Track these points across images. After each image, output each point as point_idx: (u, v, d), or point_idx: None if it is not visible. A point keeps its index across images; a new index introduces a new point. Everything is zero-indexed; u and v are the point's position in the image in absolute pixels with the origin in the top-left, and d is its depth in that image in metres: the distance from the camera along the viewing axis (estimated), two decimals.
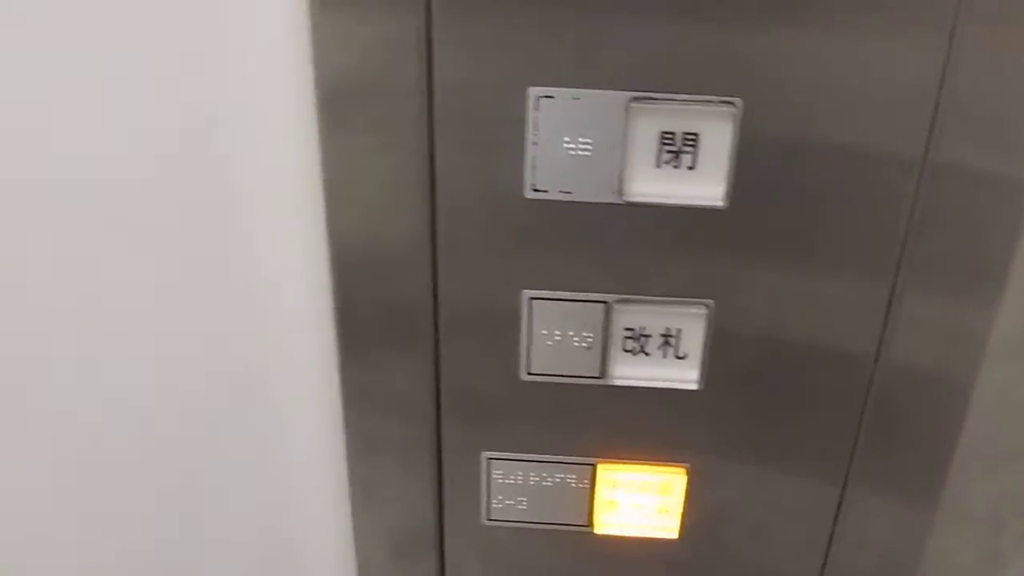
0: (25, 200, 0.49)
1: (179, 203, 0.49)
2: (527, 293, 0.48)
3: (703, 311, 0.48)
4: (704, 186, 0.45)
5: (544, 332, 0.49)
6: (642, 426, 0.51)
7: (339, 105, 0.44)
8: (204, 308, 0.52)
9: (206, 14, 0.44)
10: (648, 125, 0.44)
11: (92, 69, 0.45)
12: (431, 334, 0.49)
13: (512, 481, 0.53)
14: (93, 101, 0.46)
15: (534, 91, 0.43)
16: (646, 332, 0.49)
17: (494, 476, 0.53)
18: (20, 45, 0.45)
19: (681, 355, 0.49)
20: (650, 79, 0.43)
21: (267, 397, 0.55)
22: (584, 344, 0.49)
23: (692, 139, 0.44)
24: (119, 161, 0.48)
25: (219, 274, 0.51)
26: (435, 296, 0.48)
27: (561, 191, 0.45)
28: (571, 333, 0.49)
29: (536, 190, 0.45)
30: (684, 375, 0.49)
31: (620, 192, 0.45)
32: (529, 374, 0.50)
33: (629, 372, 0.50)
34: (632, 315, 0.48)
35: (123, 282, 0.51)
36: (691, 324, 0.48)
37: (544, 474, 0.53)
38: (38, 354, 0.53)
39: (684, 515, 0.53)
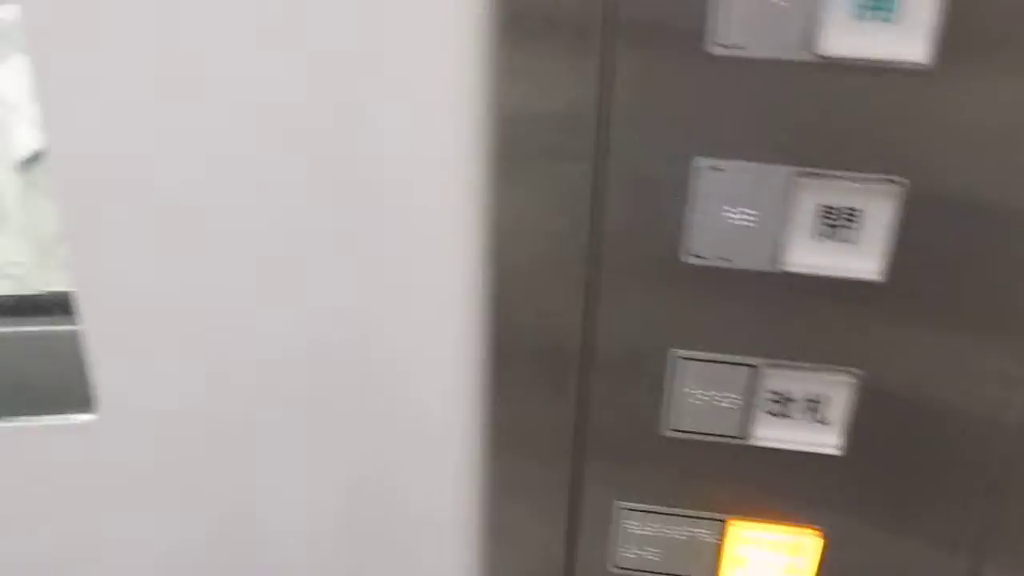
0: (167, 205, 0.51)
1: (337, 229, 0.51)
2: (675, 352, 0.50)
3: (850, 379, 0.49)
4: (861, 260, 0.46)
5: (688, 391, 0.50)
6: (778, 486, 0.52)
7: (513, 143, 0.47)
8: (350, 337, 0.54)
9: (382, 42, 0.46)
10: (810, 199, 0.45)
11: (265, 95, 0.48)
12: (580, 382, 0.51)
13: (644, 532, 0.55)
14: (262, 128, 0.48)
15: (701, 161, 0.45)
16: (791, 396, 0.50)
17: (626, 525, 0.55)
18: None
19: (825, 421, 0.50)
20: (815, 154, 0.44)
21: (404, 430, 0.57)
22: (728, 404, 0.50)
23: (853, 214, 0.45)
24: (279, 176, 0.50)
25: (371, 298, 0.53)
26: (587, 345, 0.50)
27: (720, 258, 0.47)
28: (716, 393, 0.50)
29: (694, 255, 0.47)
30: (826, 440, 0.50)
31: (778, 262, 0.46)
32: (671, 430, 0.51)
33: (771, 434, 0.51)
34: (779, 379, 0.49)
35: (266, 300, 0.53)
36: (837, 391, 0.49)
37: (676, 527, 0.54)
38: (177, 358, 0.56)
39: None
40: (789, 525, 0.53)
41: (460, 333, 0.52)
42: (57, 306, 0.63)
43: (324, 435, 0.57)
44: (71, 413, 0.58)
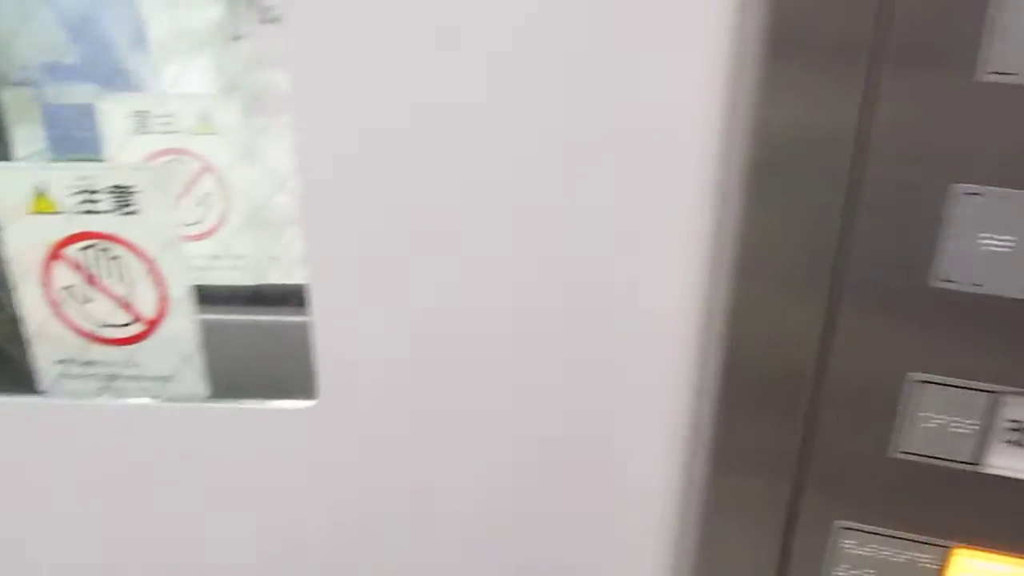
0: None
1: (570, 242, 0.52)
2: (912, 375, 0.50)
3: None
4: None
5: (923, 414, 0.50)
6: (1009, 516, 0.52)
7: (768, 159, 0.48)
8: (576, 346, 0.55)
9: (644, 52, 0.47)
10: None
11: (513, 108, 0.49)
12: (811, 400, 0.52)
13: (861, 552, 0.55)
14: (507, 132, 0.50)
15: (958, 187, 0.45)
16: None
17: (844, 545, 0.55)
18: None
19: None
20: None
21: (623, 447, 0.58)
22: (964, 430, 0.50)
23: None
24: (515, 178, 0.51)
25: (599, 307, 0.54)
26: (822, 362, 0.51)
27: (972, 284, 0.47)
28: (951, 418, 0.50)
29: (944, 280, 0.47)
30: None
31: None
32: (901, 452, 0.51)
33: (1007, 463, 0.50)
34: (1020, 408, 0.49)
35: (490, 304, 0.55)
36: None
37: (895, 550, 0.54)
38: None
39: None
40: (1018, 556, 0.52)
41: (689, 348, 0.53)
42: (288, 297, 0.68)
43: (541, 438, 0.59)
44: (294, 399, 0.61)
